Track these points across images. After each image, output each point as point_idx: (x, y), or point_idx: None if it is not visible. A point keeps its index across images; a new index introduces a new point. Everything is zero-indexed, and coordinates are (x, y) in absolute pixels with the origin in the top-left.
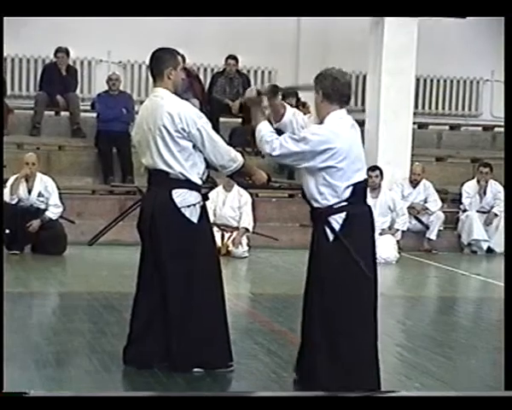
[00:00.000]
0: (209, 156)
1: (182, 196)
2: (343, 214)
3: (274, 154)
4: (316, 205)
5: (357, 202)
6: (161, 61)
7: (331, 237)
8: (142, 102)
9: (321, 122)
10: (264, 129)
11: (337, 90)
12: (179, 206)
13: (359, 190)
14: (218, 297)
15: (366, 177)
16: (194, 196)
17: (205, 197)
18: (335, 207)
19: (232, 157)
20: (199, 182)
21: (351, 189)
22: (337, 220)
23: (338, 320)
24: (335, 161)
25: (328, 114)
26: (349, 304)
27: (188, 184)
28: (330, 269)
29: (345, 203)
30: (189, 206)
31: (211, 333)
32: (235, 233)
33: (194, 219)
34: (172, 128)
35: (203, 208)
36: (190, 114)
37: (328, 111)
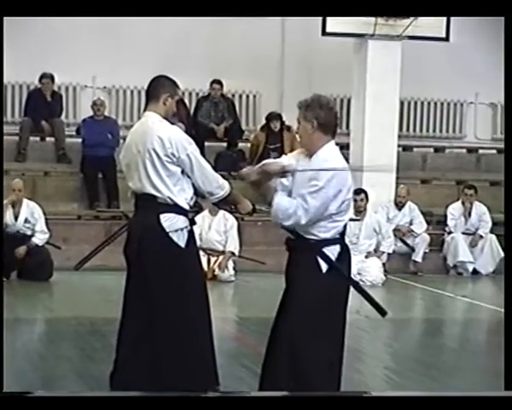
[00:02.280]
0: (197, 182)
1: (170, 221)
2: (338, 247)
3: (303, 222)
4: (308, 236)
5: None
6: (161, 86)
7: (324, 267)
8: (127, 127)
9: (312, 154)
10: (281, 201)
11: (331, 121)
12: (167, 230)
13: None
14: (205, 322)
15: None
16: (181, 221)
17: (192, 222)
18: (331, 239)
19: (220, 184)
20: (186, 207)
21: (345, 223)
22: (332, 252)
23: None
24: (347, 195)
25: (323, 145)
26: (331, 333)
27: (175, 208)
28: (319, 299)
29: (339, 236)
30: (176, 230)
31: (198, 356)
32: (221, 257)
33: (182, 244)
34: (162, 152)
35: (190, 233)
36: (180, 140)
37: (322, 143)
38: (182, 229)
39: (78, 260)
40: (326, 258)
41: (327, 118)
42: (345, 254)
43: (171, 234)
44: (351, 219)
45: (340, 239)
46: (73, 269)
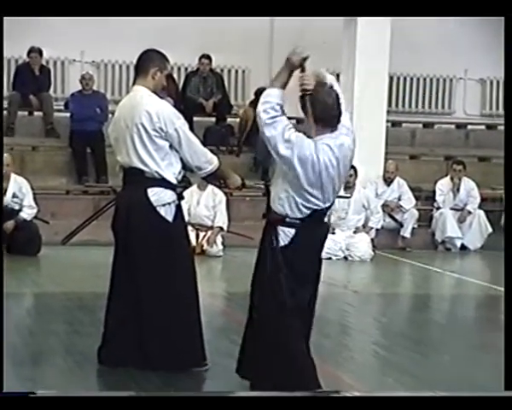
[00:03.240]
0: (185, 157)
1: (157, 195)
2: (293, 230)
3: (262, 123)
4: (273, 208)
5: (314, 223)
6: (150, 60)
7: (275, 244)
8: (115, 102)
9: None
10: (274, 94)
11: (327, 114)
12: (154, 204)
13: (319, 215)
14: (193, 296)
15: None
16: (169, 195)
17: (180, 196)
18: (288, 220)
19: (208, 159)
20: (174, 181)
21: (309, 211)
22: (286, 234)
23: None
24: (320, 177)
25: (322, 140)
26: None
27: (163, 182)
28: (266, 275)
29: (297, 221)
30: (164, 205)
31: (185, 332)
32: (209, 232)
33: (169, 218)
34: (150, 127)
35: (178, 207)
36: (169, 114)
37: (321, 137)
38: (169, 203)
39: (66, 235)
40: (277, 237)
41: (323, 113)
42: (303, 237)
43: (158, 208)
44: (339, 197)
45: (300, 223)
46: (61, 243)
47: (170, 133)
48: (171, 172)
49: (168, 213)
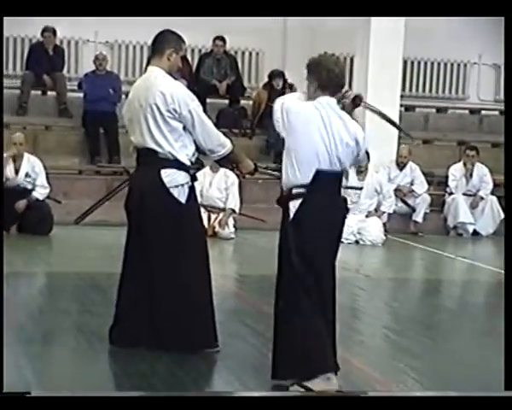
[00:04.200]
0: (198, 139)
1: (170, 176)
2: (299, 201)
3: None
4: (282, 186)
5: (320, 191)
6: (166, 41)
7: (288, 223)
8: (129, 83)
9: None
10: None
11: (331, 81)
12: (168, 185)
13: (323, 179)
14: (205, 278)
15: (337, 169)
16: (182, 177)
17: (193, 178)
18: (295, 191)
19: (221, 142)
20: (188, 163)
21: (311, 176)
22: (295, 206)
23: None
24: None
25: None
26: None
27: (176, 164)
28: (284, 254)
29: (302, 190)
30: (177, 186)
31: (197, 313)
32: (221, 214)
33: (183, 200)
34: (164, 108)
35: (191, 189)
36: (183, 96)
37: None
38: (183, 185)
39: (79, 215)
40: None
41: (327, 80)
42: (313, 209)
43: (171, 190)
44: (351, 187)
45: (306, 192)
46: (74, 223)
47: (184, 115)
48: (185, 154)
49: (181, 195)
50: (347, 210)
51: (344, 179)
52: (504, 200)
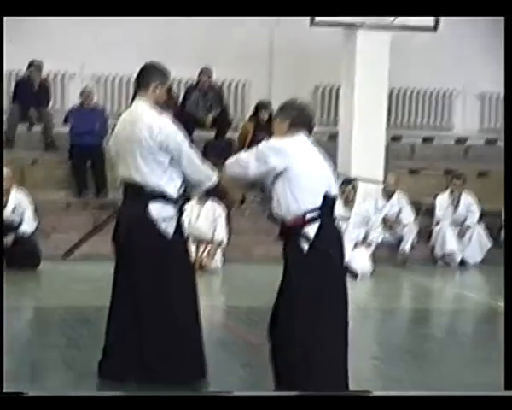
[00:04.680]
0: (186, 172)
1: (157, 210)
2: (316, 225)
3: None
4: (287, 217)
5: (326, 216)
6: (151, 74)
7: (306, 247)
8: (115, 116)
9: None
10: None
11: (303, 120)
12: (154, 219)
13: (328, 204)
14: (193, 311)
15: (333, 194)
16: (169, 210)
17: (181, 211)
18: (307, 217)
19: (208, 175)
20: (175, 196)
21: (319, 201)
22: (310, 230)
23: (312, 331)
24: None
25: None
26: (324, 315)
27: (163, 197)
28: (305, 281)
29: (315, 214)
30: (164, 219)
31: (186, 346)
32: (209, 246)
33: (170, 233)
34: (150, 141)
35: (179, 222)
36: (169, 129)
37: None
38: (170, 218)
39: (66, 249)
40: (305, 237)
41: (299, 117)
42: (327, 231)
43: (159, 223)
44: (340, 217)
45: (319, 216)
46: (61, 258)
47: (170, 148)
48: (172, 187)
49: (168, 228)
50: None
51: None
52: (504, 229)
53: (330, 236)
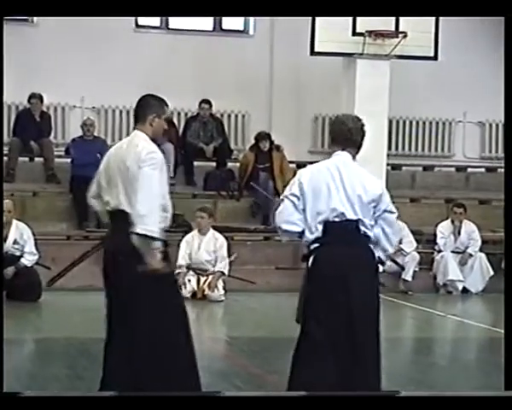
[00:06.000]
0: (132, 198)
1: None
2: (312, 257)
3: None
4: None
5: (331, 243)
6: (147, 106)
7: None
8: None
9: None
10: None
11: (341, 134)
12: (140, 249)
13: (335, 229)
14: (185, 342)
15: (352, 219)
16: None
17: (165, 243)
18: (311, 247)
19: (152, 220)
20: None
21: (321, 227)
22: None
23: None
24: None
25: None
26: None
27: None
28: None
29: (317, 244)
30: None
31: (179, 379)
32: (210, 277)
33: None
34: (136, 167)
35: (165, 254)
36: (147, 152)
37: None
38: (155, 249)
39: (69, 282)
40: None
41: (337, 131)
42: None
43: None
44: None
45: (322, 239)
46: (46, 286)
47: (134, 169)
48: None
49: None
50: (374, 259)
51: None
52: (504, 257)
53: (331, 262)
